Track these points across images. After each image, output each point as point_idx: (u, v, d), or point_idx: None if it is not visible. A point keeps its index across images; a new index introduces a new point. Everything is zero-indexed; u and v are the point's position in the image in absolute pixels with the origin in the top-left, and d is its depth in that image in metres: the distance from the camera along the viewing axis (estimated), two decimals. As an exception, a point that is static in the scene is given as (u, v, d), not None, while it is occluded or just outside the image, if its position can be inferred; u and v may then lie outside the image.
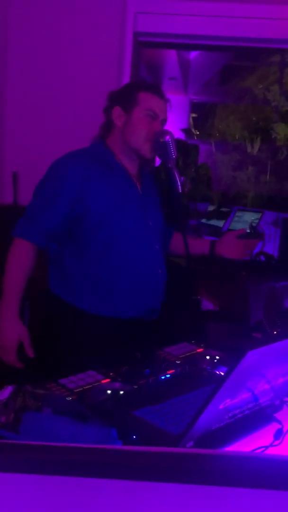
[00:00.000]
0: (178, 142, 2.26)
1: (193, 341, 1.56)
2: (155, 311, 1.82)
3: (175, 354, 1.47)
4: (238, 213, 3.68)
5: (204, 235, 3.26)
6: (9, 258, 1.69)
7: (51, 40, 2.84)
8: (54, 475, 0.66)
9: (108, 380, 1.27)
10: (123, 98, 1.76)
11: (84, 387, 1.22)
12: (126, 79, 2.82)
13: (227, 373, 0.92)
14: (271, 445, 1.06)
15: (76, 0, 2.81)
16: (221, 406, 0.98)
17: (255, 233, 3.08)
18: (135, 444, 1.01)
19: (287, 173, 6.20)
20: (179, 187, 1.71)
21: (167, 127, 1.82)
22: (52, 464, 0.67)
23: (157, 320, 1.84)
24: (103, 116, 1.81)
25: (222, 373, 1.35)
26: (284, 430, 1.10)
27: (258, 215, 3.45)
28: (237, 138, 6.84)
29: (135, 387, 1.25)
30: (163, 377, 1.32)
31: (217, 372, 1.37)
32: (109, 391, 1.21)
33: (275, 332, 1.71)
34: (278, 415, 1.16)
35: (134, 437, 1.03)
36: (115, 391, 1.21)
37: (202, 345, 1.54)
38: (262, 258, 2.73)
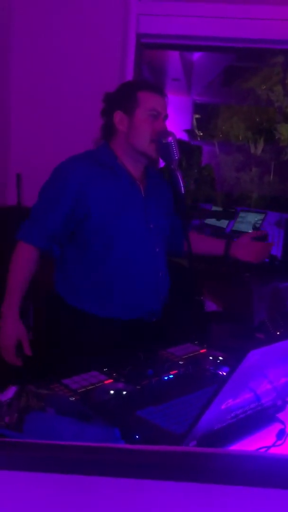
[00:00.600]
0: (181, 143, 2.27)
1: (196, 342, 1.57)
2: (155, 313, 1.82)
3: (178, 354, 1.47)
4: (242, 214, 3.68)
5: (207, 235, 3.27)
6: (12, 260, 1.73)
7: (53, 43, 2.84)
8: (57, 473, 0.67)
9: (111, 380, 1.27)
10: (123, 101, 1.74)
11: (87, 388, 1.23)
12: (129, 81, 2.83)
13: (229, 374, 0.92)
14: (273, 445, 1.06)
15: (78, 3, 2.82)
16: (223, 406, 0.98)
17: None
18: (138, 444, 1.02)
19: (290, 174, 6.19)
20: (182, 188, 1.71)
21: (170, 127, 1.82)
22: (55, 462, 0.67)
23: (160, 320, 1.84)
24: (102, 119, 1.80)
25: (225, 374, 1.35)
26: (287, 430, 1.10)
27: (261, 216, 3.45)
28: (240, 139, 6.83)
29: (138, 387, 1.25)
30: (166, 378, 1.32)
31: (220, 372, 1.38)
32: (112, 392, 1.21)
33: (278, 333, 1.71)
34: (280, 415, 1.16)
35: (137, 437, 1.03)
36: (118, 392, 1.22)
37: (205, 345, 1.55)
38: (266, 259, 2.73)
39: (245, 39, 2.94)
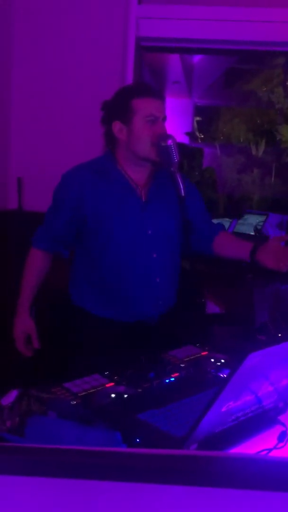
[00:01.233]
0: (182, 146, 2.27)
1: (197, 344, 1.57)
2: (152, 318, 1.84)
3: (179, 357, 1.47)
4: (243, 216, 3.68)
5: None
6: (25, 264, 1.89)
7: (54, 47, 2.85)
8: (58, 477, 0.67)
9: (112, 383, 1.27)
10: (119, 110, 1.75)
11: (89, 391, 1.23)
12: (129, 84, 2.83)
13: (229, 376, 0.92)
14: (275, 448, 1.06)
15: (78, 6, 2.83)
16: (224, 409, 0.98)
17: (260, 236, 3.08)
18: (139, 447, 1.02)
19: (292, 175, 6.19)
20: (182, 190, 1.71)
21: (171, 130, 1.82)
22: (56, 466, 0.67)
23: (162, 322, 1.85)
24: (103, 127, 1.82)
25: (225, 376, 1.35)
26: (288, 432, 1.10)
27: (263, 218, 3.44)
28: (241, 141, 6.83)
29: (140, 390, 1.25)
30: (167, 380, 1.32)
31: (222, 375, 1.37)
32: (113, 395, 1.21)
33: (279, 335, 1.71)
34: (282, 418, 1.15)
35: (138, 440, 1.03)
36: (119, 395, 1.22)
37: (206, 348, 1.54)
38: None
39: (246, 41, 2.94)
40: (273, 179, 6.23)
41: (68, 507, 0.68)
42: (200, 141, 6.87)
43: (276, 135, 6.54)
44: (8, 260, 1.77)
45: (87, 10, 2.82)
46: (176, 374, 1.35)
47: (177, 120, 5.86)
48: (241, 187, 6.21)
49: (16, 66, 2.86)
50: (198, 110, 7.10)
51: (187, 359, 1.46)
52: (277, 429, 1.11)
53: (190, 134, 6.01)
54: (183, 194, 1.71)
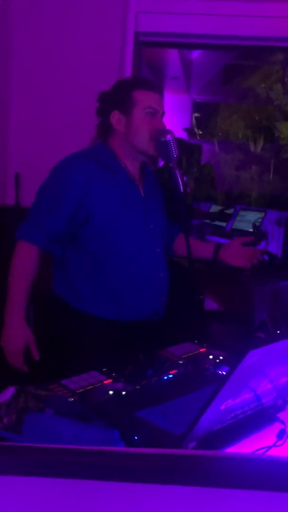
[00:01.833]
0: (180, 142, 2.26)
1: (196, 341, 1.56)
2: (157, 313, 1.82)
3: (177, 354, 1.46)
4: (241, 213, 3.67)
5: (208, 234, 3.26)
6: (13, 261, 1.68)
7: (52, 42, 2.83)
8: (56, 477, 0.66)
9: (110, 380, 1.26)
10: (119, 100, 1.73)
11: (86, 388, 1.22)
12: (128, 80, 2.81)
13: (228, 373, 0.91)
14: (274, 446, 1.05)
15: (77, 1, 2.81)
16: (223, 407, 0.97)
17: (258, 233, 3.08)
18: (137, 445, 1.01)
19: (290, 172, 6.18)
20: (181, 186, 1.70)
21: (170, 126, 1.81)
22: (54, 466, 0.66)
23: (161, 320, 1.84)
24: (98, 118, 1.79)
25: (225, 374, 1.35)
26: (287, 430, 1.09)
27: (261, 214, 3.44)
28: (240, 137, 6.81)
29: (138, 387, 1.24)
30: (165, 377, 1.31)
31: (220, 372, 1.37)
32: (111, 392, 1.21)
33: (278, 332, 1.70)
34: (281, 415, 1.15)
35: (136, 438, 1.02)
36: (117, 392, 1.21)
37: (205, 345, 1.54)
38: (266, 257, 2.72)
39: (245, 36, 2.93)
40: (271, 176, 6.22)
41: (65, 508, 0.67)
42: (198, 138, 6.86)
43: (274, 131, 6.52)
44: (6, 257, 1.73)
45: (86, 4, 2.80)
46: (174, 371, 1.34)
47: (175, 116, 5.84)
48: (240, 183, 6.20)
49: (14, 62, 2.84)
50: (197, 106, 7.09)
51: (185, 356, 1.45)
52: (276, 427, 1.10)
53: (189, 130, 6.00)
54: (182, 190, 1.71)
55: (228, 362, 1.40)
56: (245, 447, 1.05)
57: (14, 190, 2.85)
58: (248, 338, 1.74)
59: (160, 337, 1.78)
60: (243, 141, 6.69)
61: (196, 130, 6.91)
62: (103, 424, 1.04)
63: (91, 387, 1.22)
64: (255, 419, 1.10)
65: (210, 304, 2.65)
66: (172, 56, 5.02)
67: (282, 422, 1.12)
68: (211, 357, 1.44)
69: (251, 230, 3.35)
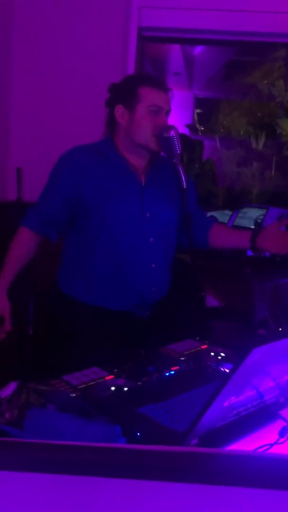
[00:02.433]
0: (182, 137, 2.25)
1: (197, 338, 1.56)
2: (145, 307, 1.81)
3: (179, 350, 1.46)
4: (243, 209, 3.66)
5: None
6: (11, 244, 1.81)
7: (54, 37, 2.82)
8: (58, 473, 0.66)
9: (112, 376, 1.26)
10: (125, 95, 1.75)
11: (88, 384, 1.22)
12: (130, 75, 2.80)
13: (232, 371, 0.91)
14: (276, 443, 1.05)
15: (80, -4, 2.80)
16: (225, 404, 0.97)
17: (260, 229, 3.07)
18: (139, 441, 1.01)
19: (292, 169, 6.16)
20: (184, 182, 1.70)
21: (172, 122, 1.80)
22: (55, 462, 0.66)
23: (157, 315, 1.83)
24: (106, 109, 1.80)
25: (227, 370, 1.34)
26: (289, 427, 1.09)
27: (263, 211, 3.43)
28: (241, 134, 6.80)
29: (139, 384, 1.24)
30: (167, 374, 1.31)
31: (222, 369, 1.37)
32: (113, 388, 1.21)
33: (280, 329, 1.70)
34: (283, 413, 1.15)
35: (138, 434, 1.02)
36: (119, 388, 1.21)
37: (206, 341, 1.54)
38: (267, 254, 2.72)
39: (248, 32, 2.92)
40: (273, 172, 6.21)
41: (66, 504, 0.67)
42: (200, 134, 6.84)
43: (276, 128, 6.51)
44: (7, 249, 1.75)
45: (89, 0, 2.79)
46: (176, 368, 1.34)
47: (177, 112, 5.83)
48: (241, 180, 6.18)
49: (15, 57, 2.83)
50: (199, 102, 7.07)
51: (186, 352, 1.45)
52: (278, 424, 1.10)
53: (191, 126, 5.99)
54: (185, 186, 1.70)
55: (230, 359, 1.40)
56: (247, 444, 1.05)
57: (15, 185, 2.85)
58: (250, 335, 1.73)
59: (160, 333, 1.78)
60: (245, 138, 6.67)
61: (197, 126, 6.90)
62: (105, 420, 1.04)
63: (92, 383, 1.22)
64: (257, 417, 1.10)
65: (211, 301, 2.65)
66: (174, 52, 5.01)
67: (284, 420, 1.12)
68: (212, 354, 1.44)
69: (252, 227, 3.35)
